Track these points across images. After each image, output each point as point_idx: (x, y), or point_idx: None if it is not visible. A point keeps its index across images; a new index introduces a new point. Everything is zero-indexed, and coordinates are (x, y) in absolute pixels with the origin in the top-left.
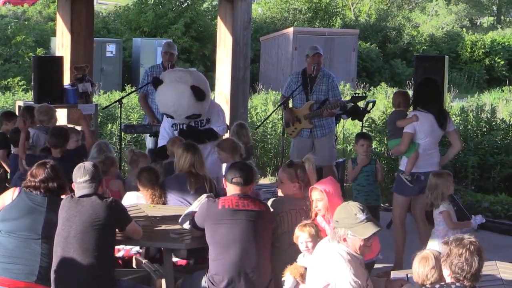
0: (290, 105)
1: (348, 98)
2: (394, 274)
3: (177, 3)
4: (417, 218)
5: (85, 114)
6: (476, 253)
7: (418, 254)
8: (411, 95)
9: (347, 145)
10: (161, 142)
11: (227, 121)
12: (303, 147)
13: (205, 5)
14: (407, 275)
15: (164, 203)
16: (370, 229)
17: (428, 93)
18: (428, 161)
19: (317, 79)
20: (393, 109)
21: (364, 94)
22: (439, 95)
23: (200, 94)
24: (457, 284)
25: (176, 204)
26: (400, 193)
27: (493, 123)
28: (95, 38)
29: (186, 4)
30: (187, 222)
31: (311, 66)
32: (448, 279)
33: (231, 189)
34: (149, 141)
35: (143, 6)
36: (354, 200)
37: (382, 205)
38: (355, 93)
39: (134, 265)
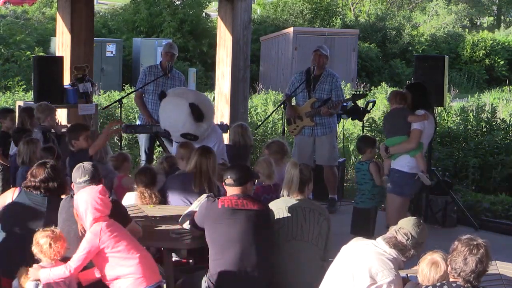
0: (293, 103)
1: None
2: None
3: (171, 2)
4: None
5: (86, 114)
6: (477, 255)
7: (426, 257)
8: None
9: (348, 144)
10: None
11: (227, 121)
12: (304, 146)
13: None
14: (407, 274)
15: (160, 203)
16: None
17: (426, 96)
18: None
19: (320, 78)
20: (393, 107)
21: (364, 92)
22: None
23: (198, 114)
24: (457, 282)
25: (178, 204)
26: (400, 194)
27: (493, 123)
28: (95, 38)
29: (180, 2)
30: (187, 222)
31: (312, 64)
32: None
33: (229, 190)
34: (142, 141)
35: (137, 5)
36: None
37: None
38: (356, 91)
39: None
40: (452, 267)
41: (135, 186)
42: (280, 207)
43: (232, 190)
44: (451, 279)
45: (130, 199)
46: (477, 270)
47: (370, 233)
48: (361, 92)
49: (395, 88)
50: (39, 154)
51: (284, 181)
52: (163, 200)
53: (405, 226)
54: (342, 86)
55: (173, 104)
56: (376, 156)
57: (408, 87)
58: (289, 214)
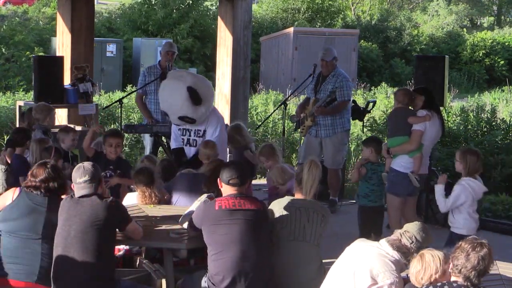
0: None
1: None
2: None
3: (181, 3)
4: (410, 219)
5: (86, 114)
6: (480, 253)
7: (413, 260)
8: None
9: (349, 145)
10: (173, 144)
11: (227, 121)
12: (310, 146)
13: (207, 3)
14: (407, 275)
15: (160, 202)
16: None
17: (433, 96)
18: (424, 163)
19: (327, 79)
20: (397, 106)
21: (368, 109)
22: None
23: (195, 97)
24: (458, 282)
25: (184, 203)
26: (395, 194)
27: (493, 123)
28: (95, 38)
29: (188, 4)
30: (187, 222)
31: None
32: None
33: (227, 190)
34: (147, 141)
35: (150, 6)
36: (359, 198)
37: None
38: (367, 103)
39: (134, 265)
40: (453, 264)
41: (135, 186)
42: (283, 207)
43: (230, 190)
44: (452, 278)
45: (130, 199)
46: (478, 268)
47: (380, 231)
48: (364, 107)
49: (395, 88)
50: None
51: (304, 181)
52: (165, 199)
53: (411, 230)
54: None
55: (171, 87)
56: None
57: (420, 90)
58: (292, 214)
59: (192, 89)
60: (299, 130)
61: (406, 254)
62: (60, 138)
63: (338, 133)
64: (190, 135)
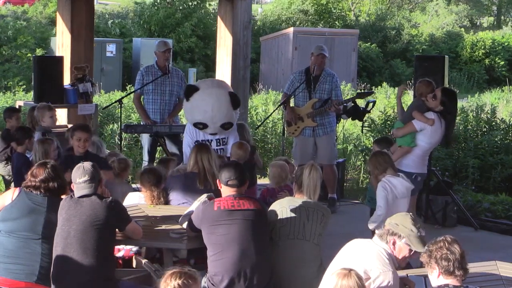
0: (292, 104)
1: (349, 97)
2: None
3: (185, 4)
4: None
5: (85, 114)
6: (453, 242)
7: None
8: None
9: (347, 145)
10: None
11: None
12: (305, 146)
13: (210, 6)
14: (407, 274)
15: (166, 203)
16: (421, 246)
17: (454, 107)
18: (424, 164)
19: (320, 78)
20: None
21: (370, 90)
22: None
23: (236, 101)
24: (455, 284)
25: (180, 204)
26: None
27: (493, 123)
28: (95, 38)
29: (193, 4)
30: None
31: (313, 65)
32: (441, 279)
33: (226, 191)
34: (145, 141)
35: (156, 5)
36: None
37: None
38: (360, 90)
39: (134, 265)
40: (440, 266)
41: (140, 185)
42: (284, 206)
43: (229, 191)
44: (445, 281)
45: (132, 199)
46: (463, 253)
47: None
48: (364, 91)
49: (395, 88)
50: (52, 154)
51: (306, 185)
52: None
53: (400, 222)
54: (343, 87)
55: (215, 95)
56: None
57: (445, 92)
58: (292, 213)
59: (233, 93)
60: (291, 132)
61: None
62: (69, 137)
63: (333, 130)
64: (210, 145)
